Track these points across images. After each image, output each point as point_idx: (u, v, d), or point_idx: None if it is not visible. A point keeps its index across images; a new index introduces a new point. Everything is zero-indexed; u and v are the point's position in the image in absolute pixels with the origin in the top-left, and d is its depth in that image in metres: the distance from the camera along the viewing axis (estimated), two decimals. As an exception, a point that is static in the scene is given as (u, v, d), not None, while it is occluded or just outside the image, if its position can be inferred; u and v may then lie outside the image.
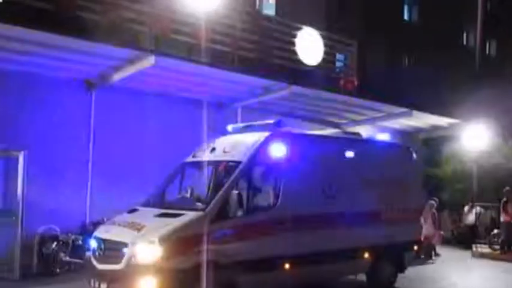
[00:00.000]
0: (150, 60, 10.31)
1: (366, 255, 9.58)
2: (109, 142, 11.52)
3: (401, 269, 10.32)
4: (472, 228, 16.21)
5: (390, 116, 15.92)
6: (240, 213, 7.79)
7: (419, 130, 18.10)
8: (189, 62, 11.19)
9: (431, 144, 18.67)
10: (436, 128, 17.92)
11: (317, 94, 13.69)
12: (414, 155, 11.01)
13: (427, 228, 13.72)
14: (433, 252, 14.26)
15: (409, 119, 16.27)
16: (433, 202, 14.70)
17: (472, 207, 16.54)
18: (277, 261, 8.14)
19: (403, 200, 10.32)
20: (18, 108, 10.57)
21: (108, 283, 7.42)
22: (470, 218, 16.42)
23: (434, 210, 14.53)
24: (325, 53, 14.49)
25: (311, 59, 14.13)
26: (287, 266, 8.25)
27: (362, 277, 10.11)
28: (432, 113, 16.27)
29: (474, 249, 14.91)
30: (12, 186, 10.47)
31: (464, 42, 30.42)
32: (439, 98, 19.53)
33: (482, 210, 16.58)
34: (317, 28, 14.49)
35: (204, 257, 7.29)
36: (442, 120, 17.10)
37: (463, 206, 16.92)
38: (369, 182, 9.72)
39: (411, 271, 10.60)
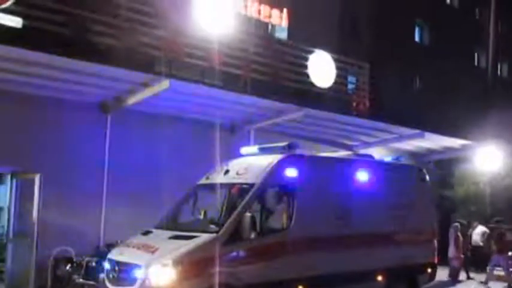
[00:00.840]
0: (164, 84, 10.46)
1: (379, 277, 9.52)
2: (123, 164, 11.62)
3: (415, 292, 10.24)
4: (477, 248, 15.89)
5: (402, 137, 15.90)
6: (253, 235, 7.81)
7: (431, 152, 18.04)
8: (203, 85, 11.34)
9: (444, 165, 18.59)
10: (448, 149, 17.84)
11: (329, 116, 13.76)
12: (427, 177, 11.00)
13: (452, 251, 13.67)
14: (465, 275, 14.14)
15: (421, 140, 16.23)
16: (457, 224, 14.62)
17: (475, 227, 16.18)
18: (290, 283, 8.13)
19: (415, 222, 10.29)
20: (35, 131, 10.71)
21: (122, 305, 7.47)
22: (475, 238, 16.18)
23: (458, 233, 14.46)
24: (337, 75, 14.60)
25: (323, 81, 14.24)
26: (300, 288, 8.24)
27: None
28: (444, 134, 16.24)
29: (488, 271, 14.71)
30: (27, 208, 10.60)
31: (476, 64, 30.42)
32: (451, 120, 19.51)
33: (486, 230, 16.14)
34: (329, 51, 14.63)
35: (217, 280, 7.31)
36: (454, 142, 17.04)
37: (469, 227, 16.63)
38: (382, 204, 9.72)
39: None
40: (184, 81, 10.95)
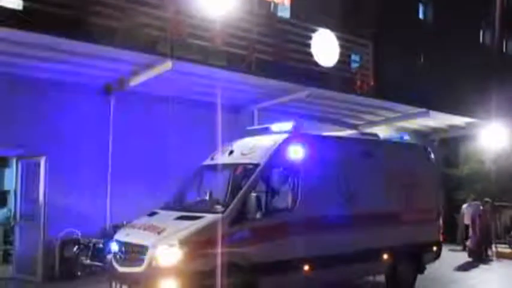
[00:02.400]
0: (167, 65, 10.41)
1: (385, 256, 9.56)
2: (128, 146, 11.65)
3: (421, 270, 10.27)
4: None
5: (407, 116, 15.86)
6: (258, 215, 7.83)
7: (436, 130, 17.99)
8: (206, 66, 11.27)
9: (449, 144, 18.55)
10: (453, 127, 17.80)
11: (333, 95, 13.70)
12: (432, 155, 10.98)
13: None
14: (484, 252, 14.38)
15: (426, 119, 16.18)
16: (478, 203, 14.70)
17: (469, 205, 16.09)
18: (296, 263, 8.17)
19: (421, 201, 10.29)
20: (39, 114, 10.72)
21: (129, 285, 7.54)
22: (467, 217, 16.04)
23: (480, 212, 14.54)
24: (341, 54, 14.48)
25: (327, 60, 14.12)
26: (306, 267, 8.28)
27: (380, 278, 10.09)
28: (449, 112, 16.16)
29: (494, 249, 14.78)
30: (34, 191, 10.65)
31: (481, 41, 30.11)
32: (456, 97, 19.38)
33: (480, 207, 15.75)
34: (332, 29, 14.49)
35: (224, 259, 7.35)
36: (459, 120, 16.98)
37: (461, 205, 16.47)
38: (387, 183, 9.72)
39: (431, 272, 10.54)
40: (187, 61, 10.87)
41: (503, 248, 14.97)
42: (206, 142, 10.25)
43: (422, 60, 25.97)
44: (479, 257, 14.20)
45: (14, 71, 10.34)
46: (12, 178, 12.30)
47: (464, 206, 16.32)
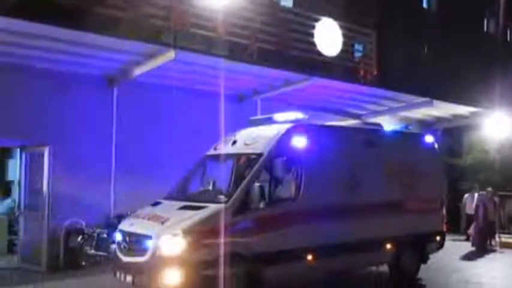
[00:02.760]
0: (170, 55, 10.37)
1: (388, 246, 9.57)
2: (131, 136, 11.67)
3: (424, 260, 10.29)
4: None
5: (410, 105, 15.79)
6: (262, 205, 7.85)
7: (440, 120, 17.93)
8: (209, 56, 11.23)
9: (452, 133, 18.49)
10: (457, 117, 17.73)
11: (337, 85, 13.65)
12: (435, 145, 10.95)
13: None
14: (488, 241, 14.41)
15: (429, 108, 16.11)
16: (484, 193, 14.73)
17: (470, 195, 16.12)
18: (299, 252, 8.19)
19: (424, 191, 10.28)
20: (42, 105, 10.73)
21: (133, 275, 7.56)
22: (469, 207, 15.99)
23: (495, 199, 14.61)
24: (344, 43, 14.41)
25: (330, 49, 14.06)
26: (309, 257, 8.30)
27: (384, 268, 10.11)
28: (453, 102, 16.08)
29: (497, 239, 14.78)
30: (37, 181, 10.68)
31: (485, 30, 29.91)
32: (459, 87, 19.29)
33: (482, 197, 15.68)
34: (335, 18, 14.41)
35: (227, 249, 7.37)
36: (463, 109, 16.91)
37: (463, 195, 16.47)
38: (391, 173, 9.71)
39: (434, 262, 10.56)
40: (190, 51, 10.84)
41: (507, 238, 14.96)
42: (209, 132, 10.25)
43: (426, 49, 25.83)
44: (482, 247, 14.21)
45: (17, 62, 10.32)
46: (16, 169, 12.34)
47: (466, 195, 16.32)
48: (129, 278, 7.62)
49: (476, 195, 15.91)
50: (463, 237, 15.70)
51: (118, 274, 7.87)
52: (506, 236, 15.16)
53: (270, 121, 9.21)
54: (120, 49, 10.33)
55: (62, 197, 10.56)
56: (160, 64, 10.71)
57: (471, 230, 14.72)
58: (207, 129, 10.77)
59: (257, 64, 12.07)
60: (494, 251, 14.13)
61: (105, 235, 10.60)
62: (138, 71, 11.24)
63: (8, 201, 12.91)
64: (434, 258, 10.57)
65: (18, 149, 11.60)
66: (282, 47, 13.28)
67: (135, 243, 7.78)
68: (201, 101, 12.51)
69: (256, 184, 7.86)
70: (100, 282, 8.98)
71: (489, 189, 15.00)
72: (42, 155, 10.56)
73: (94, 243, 10.73)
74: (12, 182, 13.57)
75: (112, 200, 11.63)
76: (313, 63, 13.55)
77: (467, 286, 9.29)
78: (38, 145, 10.68)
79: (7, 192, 13.52)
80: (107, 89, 11.70)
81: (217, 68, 11.38)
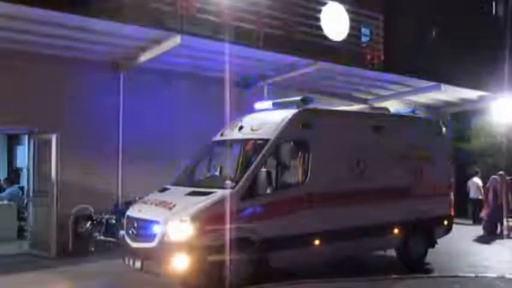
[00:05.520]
0: (176, 40, 10.34)
1: (396, 230, 9.57)
2: (138, 122, 11.68)
3: (432, 244, 10.29)
4: (476, 202, 15.77)
5: (418, 90, 15.70)
6: (269, 190, 7.87)
7: (447, 104, 17.80)
8: (215, 41, 11.18)
9: (460, 118, 18.37)
10: (465, 101, 17.60)
11: (344, 70, 13.57)
12: (443, 129, 10.90)
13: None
14: (497, 226, 14.37)
15: (437, 93, 16.01)
16: (496, 177, 14.65)
17: (471, 181, 16.10)
18: (307, 237, 8.21)
19: (432, 175, 10.25)
20: (49, 91, 10.73)
21: (142, 260, 7.63)
22: (473, 192, 16.00)
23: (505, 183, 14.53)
24: (351, 27, 14.28)
25: (337, 34, 13.93)
26: (317, 242, 8.33)
27: (391, 252, 10.13)
28: (461, 86, 15.95)
29: (505, 223, 14.73)
30: (46, 168, 10.75)
31: (494, 12, 29.55)
32: (468, 71, 19.09)
33: (479, 181, 15.89)
34: (342, 2, 14.27)
35: (234, 235, 7.40)
36: (471, 93, 16.77)
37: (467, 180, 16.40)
38: (398, 157, 9.70)
39: (442, 246, 10.56)
40: (196, 36, 10.79)
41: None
42: (216, 118, 10.24)
43: (434, 33, 25.57)
44: (492, 231, 14.19)
45: (24, 48, 10.31)
46: (24, 155, 12.41)
47: (471, 180, 16.28)
48: (137, 264, 7.70)
49: (475, 179, 15.93)
50: (471, 222, 15.68)
51: (127, 260, 7.95)
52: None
53: (276, 106, 9.19)
54: (125, 35, 10.31)
55: (70, 184, 10.62)
56: (166, 50, 10.67)
57: (483, 214, 14.67)
58: (213, 114, 10.75)
59: (263, 49, 11.99)
60: (502, 235, 14.10)
61: (113, 221, 10.66)
62: (144, 57, 11.21)
63: (17, 188, 13.02)
64: (442, 242, 10.57)
65: (27, 136, 11.65)
66: (288, 31, 13.18)
67: (143, 229, 7.84)
68: (207, 87, 12.47)
69: (263, 170, 7.87)
70: (109, 268, 9.06)
71: (500, 172, 14.91)
72: (50, 142, 10.59)
73: (103, 229, 10.80)
74: (21, 168, 13.67)
75: (120, 185, 11.68)
76: (319, 48, 13.45)
77: (475, 270, 9.28)
78: (45, 132, 10.71)
79: (16, 179, 13.63)
80: (113, 74, 11.68)
81: (223, 53, 11.31)
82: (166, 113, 12.09)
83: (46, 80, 10.72)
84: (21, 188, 13.08)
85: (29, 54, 10.43)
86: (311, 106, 8.90)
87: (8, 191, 12.87)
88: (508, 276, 8.52)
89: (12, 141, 14.67)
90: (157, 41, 10.67)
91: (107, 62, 11.51)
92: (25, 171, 12.66)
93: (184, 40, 10.32)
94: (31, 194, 11.26)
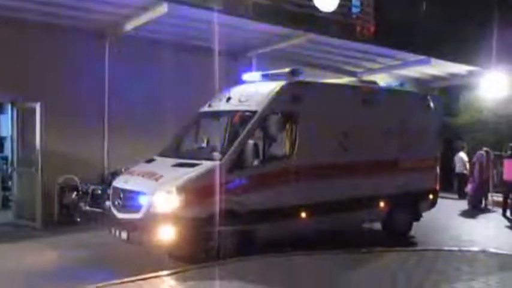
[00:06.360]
0: (162, 8, 10.14)
1: (382, 204, 9.64)
2: (124, 92, 11.49)
3: (417, 218, 10.38)
4: (462, 177, 15.86)
5: (408, 64, 15.63)
6: (256, 163, 7.83)
7: (436, 78, 17.77)
8: (203, 9, 10.95)
9: (449, 92, 18.36)
10: (454, 76, 17.56)
11: (333, 42, 13.43)
12: (431, 104, 10.87)
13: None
14: (482, 200, 14.54)
15: (426, 66, 15.95)
16: (482, 152, 14.72)
17: (457, 156, 16.16)
18: (293, 210, 8.23)
19: (419, 149, 10.29)
20: (33, 60, 10.52)
21: (128, 231, 7.60)
22: (459, 166, 16.07)
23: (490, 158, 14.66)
24: (342, -2, 14.08)
25: (327, 5, 13.74)
26: (303, 214, 8.35)
27: (378, 226, 10.20)
28: (450, 60, 15.89)
29: (489, 198, 14.89)
30: (30, 137, 10.58)
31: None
32: (457, 45, 19.03)
33: (464, 156, 15.92)
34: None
35: (221, 206, 7.38)
36: (461, 68, 16.73)
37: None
38: (385, 131, 9.69)
39: (427, 219, 10.65)
40: (183, 4, 10.56)
41: (499, 197, 15.06)
42: (203, 88, 10.12)
43: (424, 6, 25.37)
44: (476, 205, 14.35)
45: (7, 15, 10.06)
46: (8, 125, 12.19)
47: (457, 155, 16.35)
48: (124, 235, 7.67)
49: (461, 154, 16.02)
50: (456, 196, 15.83)
51: (113, 230, 7.91)
52: (499, 195, 15.25)
53: (264, 78, 9.08)
54: (111, 1, 10.08)
55: (56, 153, 10.48)
56: (153, 18, 10.46)
57: (468, 189, 14.81)
58: (201, 85, 10.63)
59: (252, 19, 11.80)
60: (487, 209, 14.26)
61: (99, 191, 10.58)
62: (130, 25, 11.01)
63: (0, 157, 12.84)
64: (427, 216, 10.66)
65: (9, 105, 11.43)
66: (277, 1, 12.97)
67: (129, 200, 7.79)
68: (195, 57, 12.28)
69: (251, 141, 7.81)
70: (95, 239, 9.02)
71: (485, 148, 15.02)
72: (34, 110, 10.40)
73: (89, 199, 10.72)
74: (5, 138, 13.44)
75: (106, 156, 11.58)
76: (309, 19, 13.27)
77: (459, 243, 9.39)
78: (29, 101, 10.51)
79: (0, 148, 13.42)
80: (99, 42, 11.45)
81: (211, 22, 11.11)
82: (153, 82, 11.91)
83: (29, 48, 10.48)
84: (5, 158, 12.89)
85: (11, 21, 10.17)
86: (300, 78, 8.80)
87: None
88: (491, 250, 8.61)
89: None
90: (144, 9, 10.45)
91: (91, 30, 11.28)
92: (9, 140, 12.46)
93: (171, 8, 10.10)
94: (15, 163, 11.11)
